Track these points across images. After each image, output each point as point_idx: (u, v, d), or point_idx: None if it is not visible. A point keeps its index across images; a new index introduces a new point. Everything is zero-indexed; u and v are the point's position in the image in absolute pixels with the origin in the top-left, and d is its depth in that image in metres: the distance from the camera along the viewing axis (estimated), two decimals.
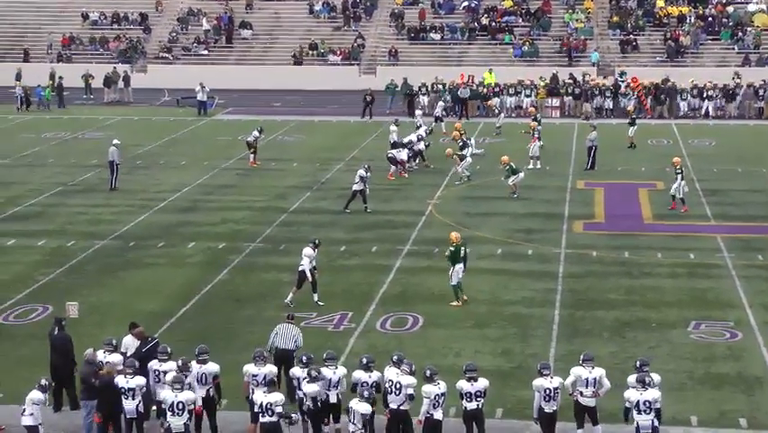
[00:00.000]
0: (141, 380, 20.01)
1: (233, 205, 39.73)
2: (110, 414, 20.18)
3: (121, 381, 19.99)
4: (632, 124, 50.27)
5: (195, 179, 44.14)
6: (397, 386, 19.83)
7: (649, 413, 19.25)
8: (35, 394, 19.64)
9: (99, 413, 20.33)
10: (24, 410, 19.60)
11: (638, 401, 19.27)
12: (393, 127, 47.73)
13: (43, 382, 19.95)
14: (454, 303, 28.21)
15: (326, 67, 72.42)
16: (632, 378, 19.89)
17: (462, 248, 28.45)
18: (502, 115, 55.58)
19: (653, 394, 19.33)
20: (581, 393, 20.07)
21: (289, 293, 28.26)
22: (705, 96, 59.99)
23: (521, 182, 40.48)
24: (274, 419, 19.36)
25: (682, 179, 38.03)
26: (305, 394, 20.10)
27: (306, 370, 20.19)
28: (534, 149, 45.41)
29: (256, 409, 19.63)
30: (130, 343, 21.89)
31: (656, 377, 19.93)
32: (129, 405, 19.89)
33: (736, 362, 24.42)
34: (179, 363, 20.29)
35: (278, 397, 19.50)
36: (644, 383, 19.41)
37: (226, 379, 20.94)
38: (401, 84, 61.74)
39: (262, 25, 76.84)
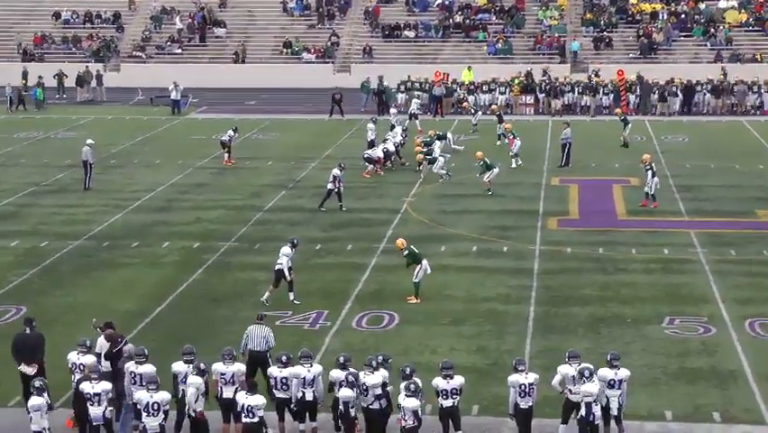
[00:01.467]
0: (106, 385, 19.76)
1: (207, 204, 39.66)
2: (87, 418, 19.97)
3: (86, 386, 19.74)
4: (625, 123, 50.24)
5: (169, 178, 44.04)
6: (364, 387, 19.97)
7: (598, 403, 19.50)
8: (33, 401, 19.25)
9: (73, 418, 20.23)
10: (31, 418, 19.39)
11: (598, 392, 19.55)
12: (371, 125, 47.74)
13: (38, 384, 19.53)
14: (413, 300, 28.26)
15: (301, 65, 72.33)
16: (602, 371, 20.02)
17: (412, 248, 28.58)
18: (479, 113, 55.62)
19: (588, 388, 19.49)
20: (570, 391, 20.12)
21: (266, 292, 28.25)
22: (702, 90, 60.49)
23: (496, 178, 40.57)
24: (255, 420, 19.36)
25: (654, 175, 38.20)
26: (336, 398, 20.01)
27: (344, 373, 20.02)
28: (515, 148, 45.43)
29: (238, 410, 19.65)
30: (104, 343, 21.81)
31: (624, 372, 20.05)
32: (95, 411, 19.63)
33: (710, 356, 24.56)
34: (201, 366, 20.15)
35: (259, 400, 19.48)
36: (581, 375, 19.65)
37: None
38: (377, 81, 61.71)
39: (236, 24, 76.67)
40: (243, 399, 19.49)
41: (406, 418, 19.30)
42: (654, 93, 60.28)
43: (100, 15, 77.51)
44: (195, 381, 19.91)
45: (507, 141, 46.38)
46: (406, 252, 28.62)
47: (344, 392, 19.76)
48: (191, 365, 20.18)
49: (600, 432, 19.71)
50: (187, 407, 19.99)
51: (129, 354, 20.99)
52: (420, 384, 19.65)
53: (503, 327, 26.59)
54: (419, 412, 19.39)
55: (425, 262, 28.46)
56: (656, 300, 28.43)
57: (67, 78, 67.57)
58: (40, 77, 65.32)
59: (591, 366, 19.88)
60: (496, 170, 40.73)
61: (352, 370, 20.20)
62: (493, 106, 56.83)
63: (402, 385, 19.57)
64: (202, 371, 20.03)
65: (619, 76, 60.80)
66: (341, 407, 19.76)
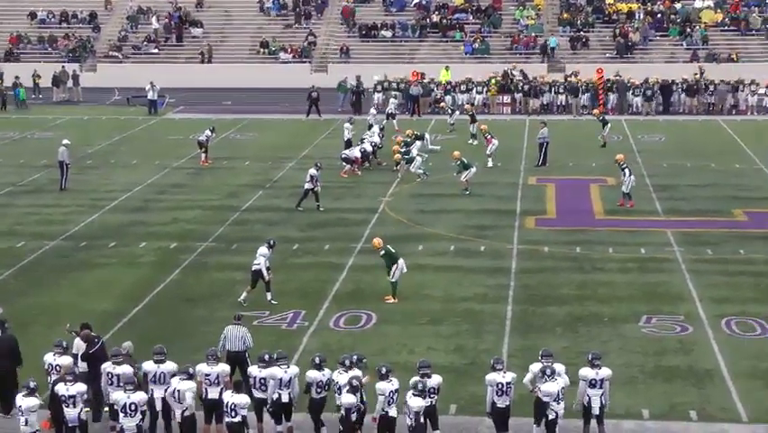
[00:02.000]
0: (81, 387, 19.63)
1: (184, 204, 39.58)
2: (62, 420, 19.85)
3: (61, 388, 19.59)
4: (604, 123, 50.31)
5: (146, 178, 43.92)
6: (338, 386, 20.03)
7: (562, 402, 19.63)
8: (29, 402, 19.20)
9: (50, 420, 20.14)
10: (26, 421, 19.30)
11: (558, 391, 19.58)
12: (348, 125, 47.72)
13: (32, 384, 19.41)
14: (391, 299, 28.27)
15: (278, 65, 72.23)
16: (583, 370, 20.10)
17: (388, 247, 28.62)
18: (456, 112, 55.68)
19: (547, 387, 19.59)
20: (540, 389, 20.16)
21: (243, 292, 28.20)
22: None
23: (473, 178, 40.62)
24: (236, 419, 19.36)
25: (630, 174, 38.32)
26: (312, 399, 20.00)
27: (347, 378, 19.85)
28: (491, 148, 45.48)
29: (223, 408, 19.65)
30: (81, 345, 21.72)
31: (606, 371, 20.14)
32: (70, 413, 19.48)
33: (687, 355, 24.64)
34: (189, 370, 20.10)
35: (243, 399, 19.48)
36: (543, 374, 19.78)
37: None
38: (355, 81, 61.72)
39: (213, 23, 76.52)
40: (228, 397, 19.51)
41: (410, 415, 19.29)
42: (635, 93, 60.27)
43: (76, 15, 77.25)
44: (190, 385, 19.88)
45: (484, 141, 46.34)
46: (383, 251, 28.62)
47: (346, 398, 19.50)
48: (182, 374, 20.04)
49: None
50: (183, 410, 19.87)
51: (127, 351, 20.95)
52: (427, 384, 19.62)
53: (480, 326, 26.62)
54: (421, 413, 19.34)
55: (401, 261, 28.46)
56: (633, 299, 28.51)
57: (41, 79, 67.23)
58: (16, 77, 65.05)
59: (554, 366, 19.99)
60: (473, 170, 40.78)
61: (354, 374, 20.02)
62: (466, 106, 56.89)
63: (410, 382, 19.59)
64: (191, 374, 20.02)
65: (598, 74, 60.93)
66: (342, 412, 19.53)
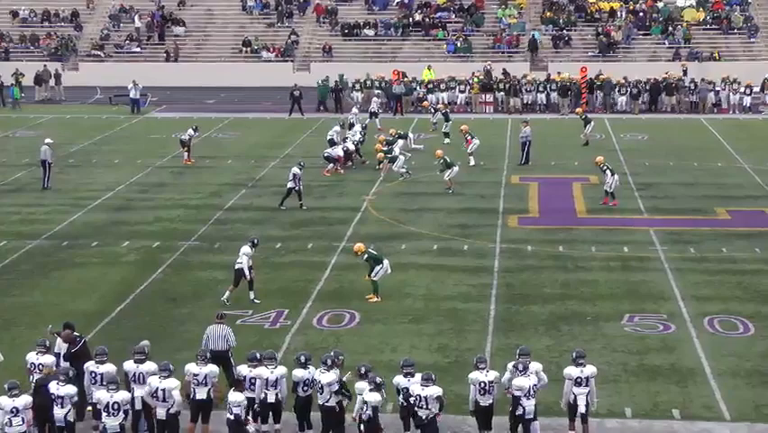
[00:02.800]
0: (71, 389, 19.60)
1: (167, 203, 39.50)
2: (45, 419, 19.74)
3: (52, 387, 19.60)
4: (587, 121, 50.35)
5: (128, 177, 43.82)
6: (319, 385, 20.01)
7: (533, 397, 19.68)
8: (23, 400, 19.16)
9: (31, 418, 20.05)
10: (24, 418, 19.24)
11: (529, 387, 19.67)
12: (336, 128, 47.42)
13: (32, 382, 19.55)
14: (374, 298, 28.26)
15: (260, 64, 72.15)
16: (567, 369, 20.16)
17: (371, 251, 28.61)
18: (439, 112, 55.56)
19: (518, 382, 19.70)
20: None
21: (226, 291, 28.16)
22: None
23: (455, 177, 40.63)
24: (231, 417, 19.48)
25: (613, 174, 38.40)
26: (364, 403, 19.74)
27: (366, 380, 19.81)
28: (471, 147, 45.49)
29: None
30: (63, 344, 21.65)
31: (591, 369, 20.20)
32: (59, 413, 19.47)
33: (670, 354, 24.69)
34: (170, 366, 20.11)
35: (238, 397, 19.55)
36: (515, 369, 19.88)
37: None
38: (338, 80, 61.67)
39: (195, 22, 76.41)
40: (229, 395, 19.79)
41: (366, 410, 19.35)
42: (621, 91, 60.30)
43: (58, 14, 77.02)
44: (175, 383, 19.88)
45: (465, 141, 46.22)
46: (365, 256, 28.57)
47: (371, 397, 19.41)
48: (162, 372, 19.96)
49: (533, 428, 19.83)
50: (168, 408, 19.82)
51: (144, 349, 20.91)
52: (384, 382, 19.65)
53: (463, 325, 26.63)
54: (378, 409, 19.38)
55: (386, 262, 28.43)
56: (616, 298, 28.56)
57: (24, 78, 66.96)
58: (14, 74, 64.85)
59: (530, 363, 20.07)
60: (455, 169, 40.80)
61: (281, 367, 20.35)
62: (439, 105, 56.92)
63: (366, 382, 19.61)
64: (171, 371, 20.01)
65: (582, 73, 61.02)
66: (369, 412, 19.35)
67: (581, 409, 20.08)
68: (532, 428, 20.02)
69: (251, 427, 20.22)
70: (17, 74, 66.72)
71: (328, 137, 46.82)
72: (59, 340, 21.73)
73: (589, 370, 20.20)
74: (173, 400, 19.75)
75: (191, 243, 34.14)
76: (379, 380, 19.54)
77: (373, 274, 28.33)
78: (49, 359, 20.71)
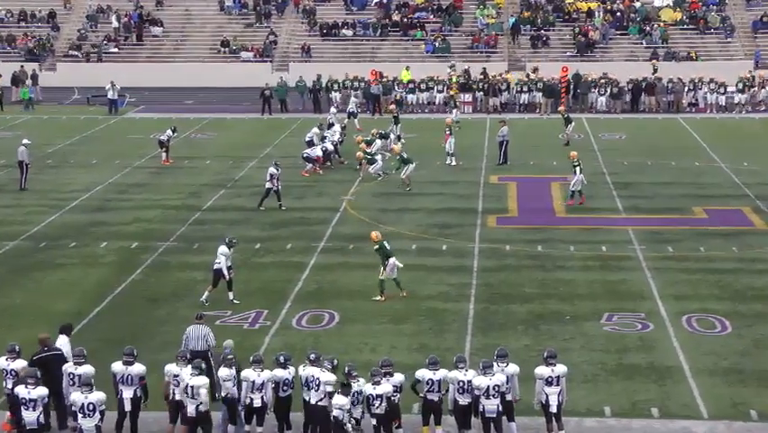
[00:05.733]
0: (42, 390, 19.49)
1: (145, 204, 39.41)
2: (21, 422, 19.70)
3: (22, 391, 19.45)
4: (568, 121, 50.41)
5: (106, 178, 43.71)
6: (317, 382, 19.89)
7: (496, 397, 19.71)
8: (40, 391, 19.31)
9: (10, 421, 19.98)
10: None
11: (488, 386, 19.67)
12: (315, 130, 47.30)
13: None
14: (378, 298, 28.27)
15: (239, 64, 72.05)
16: (538, 369, 20.22)
17: (384, 243, 28.58)
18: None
19: (477, 381, 19.75)
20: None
21: (205, 291, 28.13)
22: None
23: (413, 173, 40.68)
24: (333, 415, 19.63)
25: (581, 172, 38.46)
26: (279, 397, 20.01)
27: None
28: (449, 145, 45.54)
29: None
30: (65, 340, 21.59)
31: (561, 368, 20.24)
32: (29, 416, 19.37)
33: (648, 352, 24.78)
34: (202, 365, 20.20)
35: (341, 401, 19.42)
36: (481, 368, 19.89)
37: None
38: (315, 80, 61.66)
39: (173, 22, 76.28)
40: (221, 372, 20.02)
41: (318, 391, 19.72)
42: (600, 92, 60.41)
43: (35, 14, 76.73)
44: (204, 381, 19.98)
45: (444, 136, 46.18)
46: (377, 246, 28.52)
47: (384, 389, 19.61)
48: (194, 369, 19.97)
49: (496, 427, 19.86)
50: (197, 405, 19.82)
51: (230, 350, 21.06)
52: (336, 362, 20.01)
53: (443, 324, 26.67)
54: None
55: (392, 259, 28.40)
56: (595, 297, 28.64)
57: (0, 78, 66.74)
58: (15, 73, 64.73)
59: (507, 364, 20.17)
60: (412, 166, 40.96)
61: (267, 371, 20.26)
62: (390, 106, 57.02)
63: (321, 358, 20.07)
64: (202, 369, 20.14)
65: (563, 73, 61.12)
66: (385, 403, 19.57)
67: (553, 408, 20.12)
68: (509, 428, 20.09)
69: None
70: None
71: (307, 138, 46.75)
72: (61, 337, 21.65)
73: (560, 369, 20.23)
74: (201, 398, 19.72)
75: (170, 243, 34.08)
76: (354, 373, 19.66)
77: (380, 273, 28.29)
78: (20, 364, 20.50)
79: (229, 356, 20.50)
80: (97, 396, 19.30)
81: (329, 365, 20.12)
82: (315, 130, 47.35)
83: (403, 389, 20.19)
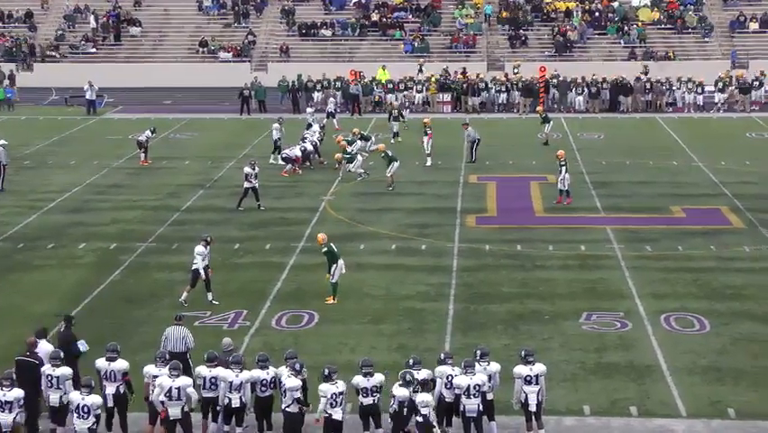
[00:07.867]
0: (18, 392, 19.41)
1: (124, 204, 39.31)
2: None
3: None
4: (546, 120, 50.47)
5: (84, 178, 43.58)
6: (283, 387, 19.98)
7: (477, 397, 19.74)
8: (16, 393, 19.27)
9: None
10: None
11: (469, 385, 19.70)
12: (276, 125, 47.24)
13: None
14: (331, 300, 28.24)
15: (217, 64, 71.94)
16: (517, 368, 20.27)
17: (331, 245, 28.56)
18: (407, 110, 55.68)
19: (460, 380, 19.80)
20: None
21: (183, 292, 28.07)
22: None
23: (396, 172, 40.70)
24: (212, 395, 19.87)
25: (567, 171, 38.58)
26: (258, 398, 20.01)
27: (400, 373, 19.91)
28: (427, 145, 45.57)
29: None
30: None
31: (540, 367, 20.28)
32: (5, 418, 19.28)
33: (627, 351, 24.85)
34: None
35: (186, 381, 19.66)
36: (465, 368, 19.93)
37: None
38: (295, 80, 61.65)
39: (151, 22, 76.10)
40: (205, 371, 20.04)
41: (286, 398, 19.65)
42: (577, 91, 60.49)
43: (12, 14, 76.42)
44: (188, 381, 19.93)
45: (425, 136, 46.21)
46: (325, 248, 28.55)
47: (399, 391, 19.44)
48: (174, 371, 19.89)
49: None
50: (183, 406, 19.79)
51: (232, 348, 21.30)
52: (414, 375, 19.66)
53: (422, 324, 26.68)
54: (405, 403, 19.36)
55: (340, 261, 28.42)
56: (574, 296, 28.70)
57: None
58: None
59: (488, 363, 20.22)
60: (396, 164, 40.97)
61: (245, 372, 20.22)
62: (394, 102, 57.11)
63: (399, 374, 19.75)
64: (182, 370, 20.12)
65: (541, 72, 61.20)
66: (395, 406, 19.47)
67: (532, 407, 20.15)
68: (489, 427, 20.12)
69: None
70: None
71: (274, 138, 46.42)
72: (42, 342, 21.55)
73: (539, 368, 20.27)
74: (186, 398, 19.68)
75: (149, 244, 34.01)
76: (409, 377, 19.54)
77: (330, 275, 28.29)
78: None
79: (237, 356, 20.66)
80: (93, 399, 19.25)
81: (291, 371, 20.04)
82: (275, 125, 47.06)
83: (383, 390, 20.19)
